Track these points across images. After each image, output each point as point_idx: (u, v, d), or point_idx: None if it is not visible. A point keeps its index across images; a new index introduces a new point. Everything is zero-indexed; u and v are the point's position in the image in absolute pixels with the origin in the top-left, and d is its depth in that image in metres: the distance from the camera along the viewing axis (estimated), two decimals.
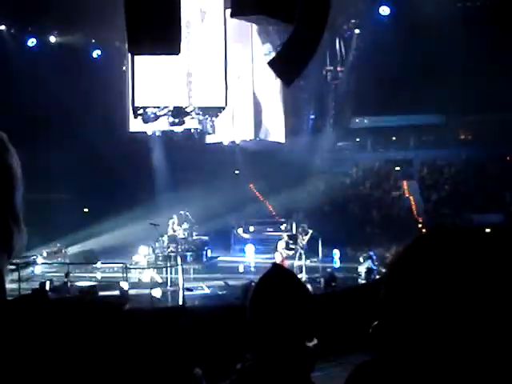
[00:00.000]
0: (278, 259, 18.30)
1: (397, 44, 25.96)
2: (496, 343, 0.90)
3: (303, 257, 19.04)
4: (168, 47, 9.69)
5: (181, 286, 15.33)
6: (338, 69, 29.70)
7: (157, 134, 25.61)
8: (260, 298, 1.89)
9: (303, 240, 20.10)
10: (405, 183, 30.03)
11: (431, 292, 0.94)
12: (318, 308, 1.95)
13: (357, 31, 28.31)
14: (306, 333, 1.87)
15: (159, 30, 8.88)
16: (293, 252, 18.98)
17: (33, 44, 25.07)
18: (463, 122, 31.19)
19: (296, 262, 19.16)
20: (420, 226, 26.64)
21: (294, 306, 1.86)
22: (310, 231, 20.56)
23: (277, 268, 2.03)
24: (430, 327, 0.93)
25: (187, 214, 21.84)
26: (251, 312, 1.88)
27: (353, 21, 28.00)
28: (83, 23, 23.45)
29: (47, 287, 14.88)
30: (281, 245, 18.61)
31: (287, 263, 18.62)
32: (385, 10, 26.48)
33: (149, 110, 21.51)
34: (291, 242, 19.44)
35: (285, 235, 19.55)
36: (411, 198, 29.09)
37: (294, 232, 21.78)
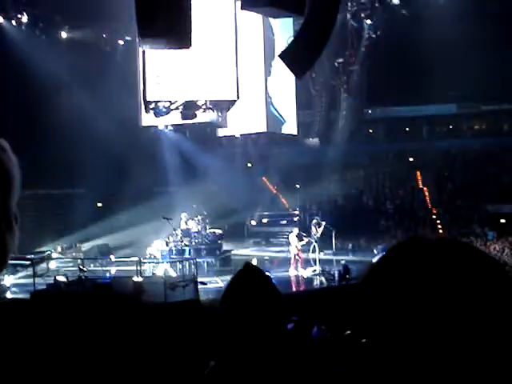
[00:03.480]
0: (293, 252, 18.28)
1: (408, 34, 25.79)
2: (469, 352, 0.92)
3: (317, 249, 19.01)
4: (179, 41, 9.68)
5: (195, 280, 15.35)
6: (350, 60, 29.57)
7: (169, 127, 25.63)
8: (230, 299, 1.94)
9: (317, 232, 20.07)
10: (418, 174, 29.88)
11: (404, 303, 0.96)
12: (286, 307, 2.00)
13: (368, 22, 28.11)
14: (274, 330, 1.91)
15: (170, 24, 8.87)
16: (305, 243, 18.90)
17: (43, 39, 25.12)
18: (476, 111, 30.97)
19: (310, 255, 19.15)
20: (434, 217, 26.49)
21: (262, 305, 1.90)
22: (323, 223, 20.51)
23: (246, 268, 2.07)
24: (402, 336, 0.95)
25: (200, 207, 21.86)
26: (222, 312, 1.93)
27: (364, 11, 27.79)
28: (94, 18, 23.51)
29: (62, 282, 14.95)
30: (292, 238, 18.55)
31: (302, 255, 18.64)
32: (395, 0, 26.25)
33: (160, 104, 21.52)
34: (304, 234, 19.41)
35: (295, 228, 19.49)
36: (425, 188, 28.95)
37: (308, 224, 21.72)
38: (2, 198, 1.13)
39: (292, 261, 18.19)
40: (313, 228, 20.32)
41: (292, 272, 17.88)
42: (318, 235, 20.04)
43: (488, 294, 0.94)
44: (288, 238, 19.03)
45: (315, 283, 16.91)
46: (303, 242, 18.73)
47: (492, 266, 0.97)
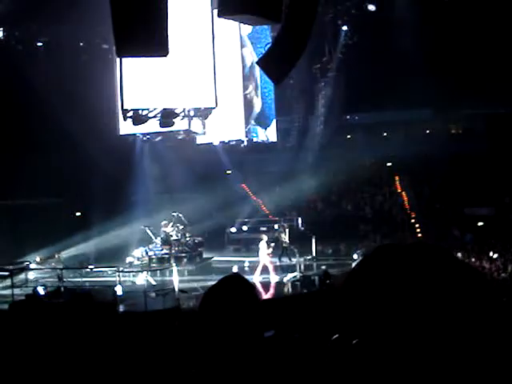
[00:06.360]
0: (264, 259, 18.14)
1: (384, 40, 26.02)
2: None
3: (289, 253, 19.23)
4: (156, 49, 9.65)
5: (175, 288, 15.29)
6: (327, 66, 29.75)
7: (147, 136, 25.55)
8: (208, 306, 1.94)
9: (284, 238, 20.11)
10: (396, 179, 30.09)
11: (384, 304, 1.01)
12: (263, 315, 2.01)
13: (344, 28, 28.33)
14: (250, 338, 1.91)
15: (146, 32, 8.85)
16: (271, 250, 18.73)
17: (20, 48, 24.96)
18: (453, 116, 31.27)
19: (287, 261, 19.28)
20: (413, 221, 26.67)
21: (237, 313, 1.90)
22: (286, 224, 20.76)
23: (229, 276, 2.08)
24: (385, 336, 1.00)
25: (180, 215, 21.78)
26: (200, 318, 1.94)
27: (340, 18, 28.00)
28: (71, 26, 23.42)
29: (41, 292, 14.82)
30: (262, 245, 18.36)
31: (273, 261, 18.73)
32: (371, 7, 26.49)
33: (138, 112, 21.44)
34: (274, 243, 19.38)
35: (265, 236, 19.33)
36: (403, 193, 29.15)
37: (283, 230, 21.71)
38: None
39: (271, 268, 18.10)
40: (281, 235, 20.31)
41: (273, 278, 17.85)
42: (286, 240, 20.11)
43: (456, 292, 0.98)
44: (259, 245, 18.81)
45: (296, 288, 16.92)
46: (270, 250, 18.56)
47: (462, 267, 1.02)
